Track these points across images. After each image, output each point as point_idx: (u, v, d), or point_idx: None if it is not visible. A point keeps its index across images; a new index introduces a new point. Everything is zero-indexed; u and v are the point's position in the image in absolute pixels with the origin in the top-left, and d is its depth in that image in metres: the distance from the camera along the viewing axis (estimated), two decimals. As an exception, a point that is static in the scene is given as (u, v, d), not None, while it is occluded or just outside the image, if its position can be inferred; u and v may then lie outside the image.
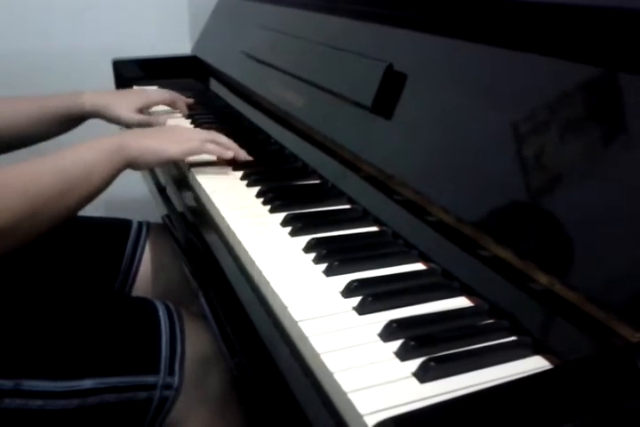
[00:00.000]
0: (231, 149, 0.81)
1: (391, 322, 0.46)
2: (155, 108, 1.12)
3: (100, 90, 1.36)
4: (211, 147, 0.79)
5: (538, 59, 0.53)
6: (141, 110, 1.02)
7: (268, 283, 0.53)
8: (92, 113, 1.00)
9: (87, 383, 0.64)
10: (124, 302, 0.82)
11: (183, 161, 0.83)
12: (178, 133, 0.81)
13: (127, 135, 0.76)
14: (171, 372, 0.68)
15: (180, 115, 1.10)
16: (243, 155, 0.82)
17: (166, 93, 1.09)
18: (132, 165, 0.75)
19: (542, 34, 0.54)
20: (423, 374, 0.41)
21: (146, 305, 0.75)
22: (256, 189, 0.74)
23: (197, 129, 0.94)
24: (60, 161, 0.68)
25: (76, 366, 0.65)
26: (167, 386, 0.68)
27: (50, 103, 0.97)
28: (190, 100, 1.13)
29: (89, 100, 0.98)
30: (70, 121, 0.99)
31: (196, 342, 0.72)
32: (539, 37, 0.54)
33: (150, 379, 0.67)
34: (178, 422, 0.70)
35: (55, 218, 0.66)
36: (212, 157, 0.83)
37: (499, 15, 0.59)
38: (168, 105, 1.10)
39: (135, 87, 1.33)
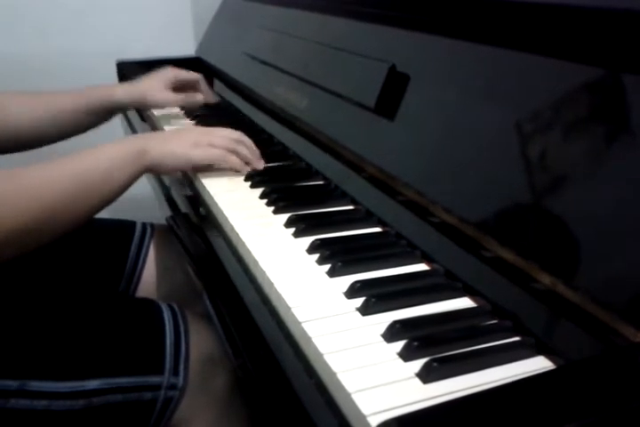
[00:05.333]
0: (250, 163, 0.80)
1: (394, 323, 0.46)
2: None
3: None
4: (232, 159, 0.78)
5: (540, 59, 0.53)
6: (174, 86, 1.04)
7: (271, 284, 0.53)
8: (130, 105, 1.01)
9: (92, 384, 0.64)
10: (129, 302, 0.82)
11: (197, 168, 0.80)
12: (202, 136, 0.78)
13: (150, 138, 0.75)
14: (175, 372, 0.68)
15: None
16: (260, 165, 0.81)
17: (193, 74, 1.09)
18: (153, 169, 0.74)
19: (545, 35, 0.54)
20: (426, 375, 0.41)
21: (150, 306, 0.76)
22: (260, 190, 0.74)
23: (223, 130, 0.82)
24: (78, 164, 0.67)
25: (81, 367, 0.65)
26: (172, 386, 0.68)
27: (82, 97, 0.97)
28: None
29: (124, 94, 0.99)
30: (101, 116, 1.00)
31: (201, 342, 0.72)
32: (541, 38, 0.54)
33: (155, 379, 0.67)
34: (182, 423, 0.70)
35: (71, 221, 0.66)
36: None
37: (502, 16, 0.59)
38: (192, 84, 1.09)
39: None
